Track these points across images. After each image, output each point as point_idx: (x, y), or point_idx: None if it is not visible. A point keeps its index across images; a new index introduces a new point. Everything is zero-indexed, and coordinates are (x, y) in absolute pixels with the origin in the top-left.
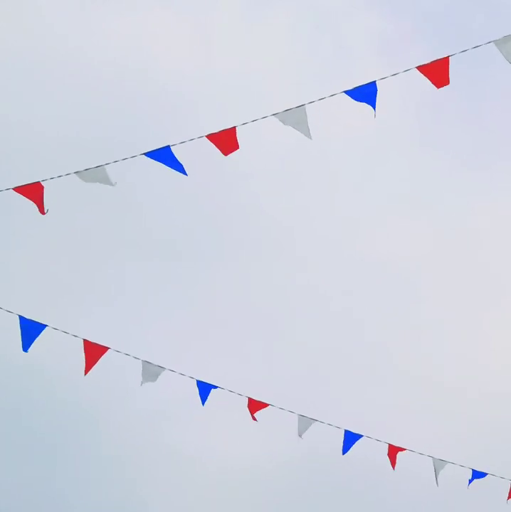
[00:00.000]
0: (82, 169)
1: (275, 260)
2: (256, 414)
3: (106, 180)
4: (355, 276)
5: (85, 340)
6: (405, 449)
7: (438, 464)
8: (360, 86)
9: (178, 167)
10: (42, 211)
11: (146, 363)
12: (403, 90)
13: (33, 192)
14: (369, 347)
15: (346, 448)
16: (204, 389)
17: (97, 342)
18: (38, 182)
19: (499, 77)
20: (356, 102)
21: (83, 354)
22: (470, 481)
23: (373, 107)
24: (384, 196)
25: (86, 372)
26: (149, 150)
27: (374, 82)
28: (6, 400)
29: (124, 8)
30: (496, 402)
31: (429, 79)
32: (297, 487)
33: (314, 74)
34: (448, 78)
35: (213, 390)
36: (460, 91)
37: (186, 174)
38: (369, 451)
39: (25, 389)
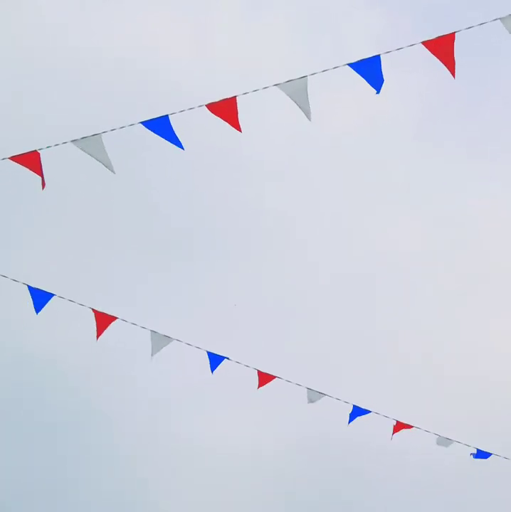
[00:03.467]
0: (79, 137)
1: (282, 248)
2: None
3: (102, 151)
4: (361, 265)
5: (93, 309)
6: (411, 426)
7: (443, 442)
8: (364, 59)
9: (175, 140)
10: (43, 184)
11: (154, 333)
12: (406, 78)
13: (31, 161)
14: (374, 334)
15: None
16: (214, 360)
17: (104, 311)
18: (35, 150)
19: (502, 63)
20: (360, 77)
21: (91, 322)
22: (476, 456)
23: (379, 83)
24: (391, 189)
25: (97, 337)
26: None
27: (378, 55)
28: (9, 389)
29: (124, 6)
30: (498, 390)
31: (434, 54)
32: (303, 473)
33: (313, 72)
34: (453, 57)
35: (221, 364)
36: (463, 81)
37: (183, 148)
38: (374, 430)
39: (28, 377)
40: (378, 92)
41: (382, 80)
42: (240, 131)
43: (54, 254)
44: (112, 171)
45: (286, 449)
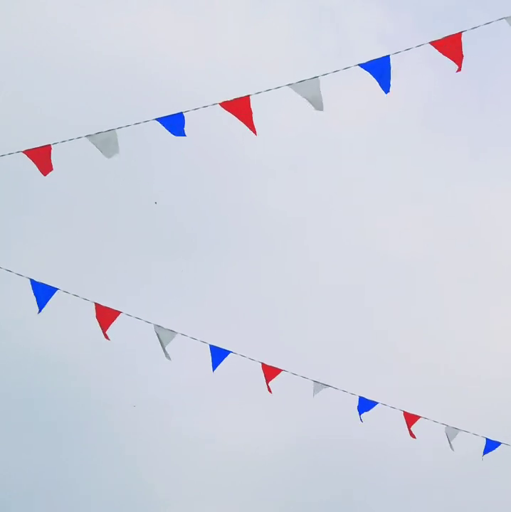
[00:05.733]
0: (93, 133)
1: (285, 243)
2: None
3: (116, 146)
4: (363, 264)
5: (96, 303)
6: (419, 417)
7: (452, 432)
8: (374, 59)
9: (179, 130)
10: (44, 172)
11: (158, 327)
12: (413, 77)
13: (42, 155)
14: (376, 331)
15: (361, 412)
16: (217, 354)
17: (108, 306)
18: (48, 145)
19: (507, 62)
20: (370, 77)
21: (95, 319)
22: (485, 452)
23: (388, 83)
24: (392, 185)
25: (105, 336)
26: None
27: (388, 56)
28: (14, 385)
29: (136, 7)
30: (502, 384)
31: (442, 53)
32: (304, 470)
33: (314, 68)
34: (462, 55)
35: (225, 359)
36: (471, 77)
37: (185, 135)
38: (382, 424)
39: (34, 375)
40: (387, 92)
41: (389, 80)
42: (255, 132)
43: (58, 249)
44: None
45: (293, 444)
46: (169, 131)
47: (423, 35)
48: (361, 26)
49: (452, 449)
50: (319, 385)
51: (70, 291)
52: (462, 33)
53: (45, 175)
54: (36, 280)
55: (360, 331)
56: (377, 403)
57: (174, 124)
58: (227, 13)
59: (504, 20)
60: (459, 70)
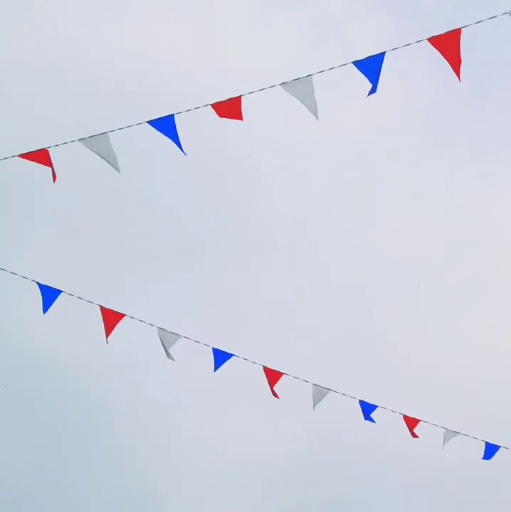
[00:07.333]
0: (86, 136)
1: (288, 249)
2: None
3: (109, 150)
4: (363, 264)
5: (101, 306)
6: (419, 420)
7: (451, 436)
8: (369, 57)
9: (177, 141)
10: (54, 176)
11: (161, 329)
12: (414, 77)
13: (40, 158)
14: (376, 331)
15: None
16: (219, 357)
17: (113, 308)
18: (44, 148)
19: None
20: (362, 74)
21: (98, 322)
22: (485, 456)
23: (376, 80)
24: (392, 186)
25: (107, 336)
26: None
27: (383, 53)
28: (19, 387)
29: (130, 8)
30: (502, 386)
31: (440, 52)
32: (304, 471)
33: (313, 70)
34: (459, 53)
35: (228, 362)
36: (472, 77)
37: (184, 153)
38: (382, 425)
39: (37, 376)
40: (369, 94)
41: (378, 78)
42: (241, 118)
43: (63, 252)
44: (118, 170)
45: (294, 445)
46: (167, 136)
47: (425, 44)
48: (366, 32)
49: (443, 448)
50: (319, 389)
51: (75, 293)
52: (462, 29)
53: (54, 180)
54: (41, 283)
55: (360, 331)
56: (377, 407)
57: (167, 128)
58: (227, 13)
59: (506, 14)
60: (459, 78)
